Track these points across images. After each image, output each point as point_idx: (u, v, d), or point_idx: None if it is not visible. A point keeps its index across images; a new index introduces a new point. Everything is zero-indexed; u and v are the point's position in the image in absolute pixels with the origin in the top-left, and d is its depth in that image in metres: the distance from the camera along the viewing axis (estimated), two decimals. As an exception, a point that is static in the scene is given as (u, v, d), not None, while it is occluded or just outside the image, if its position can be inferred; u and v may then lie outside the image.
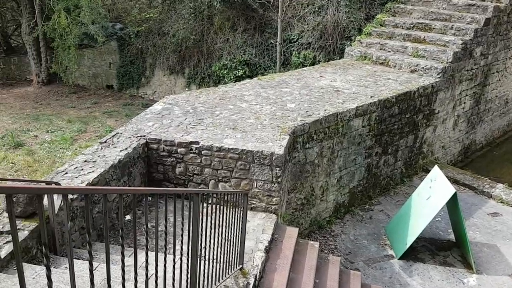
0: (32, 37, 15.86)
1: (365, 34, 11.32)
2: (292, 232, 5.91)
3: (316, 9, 12.68)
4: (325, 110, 7.25)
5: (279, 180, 5.84)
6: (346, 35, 12.38)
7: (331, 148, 7.36)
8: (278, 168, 5.77)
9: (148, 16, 14.19)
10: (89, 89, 17.91)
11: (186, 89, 14.39)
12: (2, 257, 3.78)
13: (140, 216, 5.84)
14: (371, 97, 8.03)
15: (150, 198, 5.93)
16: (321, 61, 12.00)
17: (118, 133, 6.28)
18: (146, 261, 2.34)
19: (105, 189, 2.01)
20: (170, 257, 2.84)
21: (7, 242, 3.98)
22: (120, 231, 2.14)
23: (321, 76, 9.46)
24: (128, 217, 5.87)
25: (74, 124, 14.01)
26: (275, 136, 6.19)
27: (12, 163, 10.84)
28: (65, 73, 16.30)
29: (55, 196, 4.29)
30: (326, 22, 12.25)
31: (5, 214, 4.41)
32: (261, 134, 6.22)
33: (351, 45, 11.53)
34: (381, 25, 11.38)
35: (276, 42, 12.51)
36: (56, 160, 11.28)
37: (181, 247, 3.05)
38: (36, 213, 4.36)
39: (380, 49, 10.75)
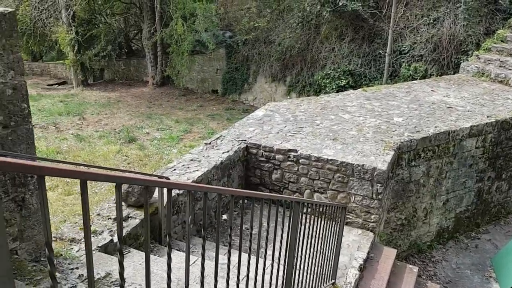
0: (151, 42, 17.34)
1: (484, 50, 10.43)
2: (389, 253, 5.60)
3: (431, 21, 11.99)
4: (435, 127, 6.76)
5: (379, 197, 5.58)
6: (462, 50, 11.51)
7: (439, 168, 6.84)
8: (379, 185, 5.51)
9: (257, 25, 14.65)
10: (196, 93, 19.02)
11: (288, 97, 14.54)
12: (115, 241, 4.14)
13: (235, 217, 5.99)
14: (487, 116, 7.32)
15: (246, 201, 6.07)
16: (433, 75, 11.29)
17: (221, 136, 6.53)
18: (239, 261, 2.36)
19: (206, 187, 2.06)
20: (261, 261, 2.85)
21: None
22: (216, 229, 2.19)
23: (432, 90, 8.87)
24: (224, 216, 6.06)
25: (181, 124, 14.94)
26: (379, 150, 5.92)
27: (125, 156, 11.88)
28: (177, 77, 17.52)
29: (164, 190, 4.60)
30: (442, 34, 11.51)
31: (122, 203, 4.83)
32: (363, 147, 6.00)
33: (467, 60, 10.69)
34: (502, 41, 10.40)
35: (385, 52, 12.06)
36: (164, 156, 12.13)
37: (273, 253, 3.05)
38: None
39: (500, 66, 9.80)
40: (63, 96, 18.01)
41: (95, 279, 3.43)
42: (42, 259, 3.53)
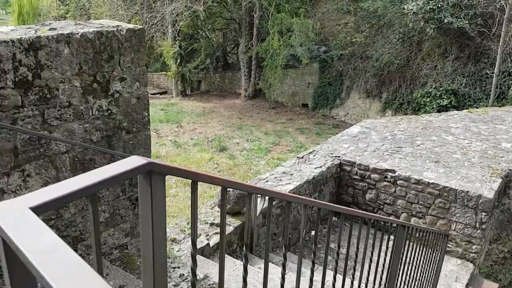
0: (247, 56, 17.97)
1: None
2: (489, 287, 5.14)
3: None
4: (553, 155, 6.09)
5: (483, 226, 5.15)
6: None
7: (556, 201, 6.12)
8: (484, 213, 5.09)
9: (354, 40, 14.48)
10: (286, 106, 19.24)
11: (383, 114, 14.08)
12: (211, 245, 4.33)
13: (325, 234, 5.92)
14: None
15: (335, 218, 5.98)
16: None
17: (314, 150, 6.53)
18: (323, 278, 2.33)
19: (308, 200, 2.08)
20: (348, 280, 2.78)
21: (216, 233, 4.56)
22: (313, 247, 2.19)
23: (550, 114, 8.01)
24: (313, 233, 6.02)
25: (270, 136, 15.20)
26: (485, 177, 5.48)
27: (216, 163, 12.39)
28: (268, 90, 17.90)
29: (258, 199, 4.72)
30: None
31: (217, 209, 5.06)
32: (467, 172, 5.60)
33: None
34: None
35: (493, 73, 11.17)
36: (252, 167, 12.44)
37: (361, 273, 2.96)
38: (240, 212, 4.87)
39: None
40: (164, 105, 19.35)
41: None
42: (147, 255, 3.81)
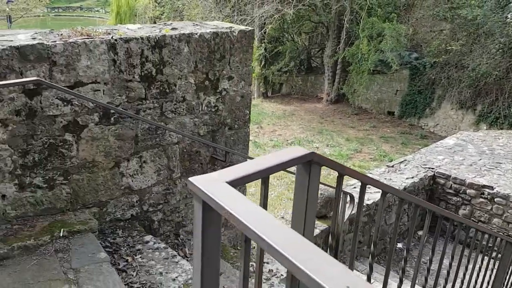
0: (333, 60, 17.78)
1: None
2: None
3: None
4: None
5: None
6: None
7: None
8: None
9: (449, 48, 13.71)
10: (370, 113, 18.70)
11: (480, 127, 13.15)
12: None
13: (411, 248, 5.69)
14: None
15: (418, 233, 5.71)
16: None
17: (405, 160, 6.30)
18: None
19: (421, 200, 2.03)
20: None
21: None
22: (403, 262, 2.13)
23: None
24: (399, 245, 5.81)
25: (352, 143, 14.89)
26: None
27: (296, 166, 12.39)
28: (352, 95, 17.54)
29: (346, 205, 4.67)
30: None
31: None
32: None
33: None
34: None
35: None
36: (331, 172, 12.29)
37: None
38: (326, 216, 4.86)
39: None
40: (246, 105, 19.76)
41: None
42: (238, 247, 3.95)
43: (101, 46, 2.73)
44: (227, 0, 19.58)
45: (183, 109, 3.25)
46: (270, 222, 0.70)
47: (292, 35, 20.90)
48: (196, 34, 3.14)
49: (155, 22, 27.44)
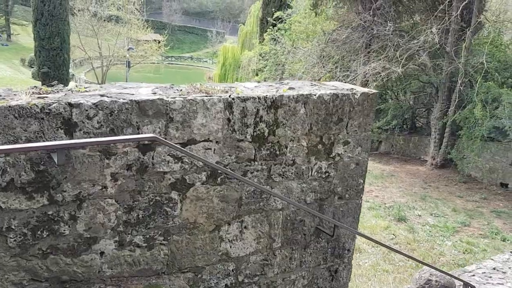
0: (441, 122, 16.63)
1: None
2: None
3: None
4: None
5: None
6: None
7: None
8: None
9: None
10: (480, 182, 16.91)
11: None
12: None
13: None
14: None
15: None
16: None
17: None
18: None
19: None
20: None
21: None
22: None
23: None
24: None
25: (459, 214, 13.42)
26: None
27: (393, 234, 11.38)
28: (461, 162, 16.08)
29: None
30: None
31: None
32: None
33: None
34: None
35: None
36: (435, 246, 11.03)
37: None
38: (441, 309, 4.13)
39: None
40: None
41: None
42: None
43: (218, 104, 2.61)
44: (330, 56, 19.70)
45: (291, 173, 2.99)
46: None
47: (396, 93, 20.17)
48: (315, 95, 2.91)
49: (257, 74, 28.65)
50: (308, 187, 3.09)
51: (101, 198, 2.41)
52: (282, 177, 2.96)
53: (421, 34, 14.97)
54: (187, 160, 2.62)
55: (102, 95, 2.37)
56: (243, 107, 2.70)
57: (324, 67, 18.24)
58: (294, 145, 2.94)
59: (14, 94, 2.25)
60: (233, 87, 2.92)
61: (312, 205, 3.14)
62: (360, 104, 3.07)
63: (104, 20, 32.73)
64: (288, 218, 3.07)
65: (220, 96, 2.63)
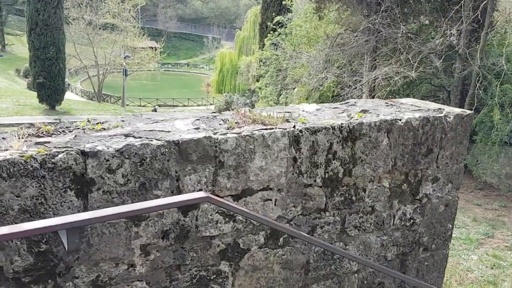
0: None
1: None
2: None
3: None
4: None
5: None
6: None
7: None
8: None
9: None
10: (497, 189, 16.24)
11: None
12: None
13: None
14: None
15: None
16: None
17: None
18: None
19: None
20: None
21: None
22: None
23: None
24: None
25: (480, 224, 12.72)
26: None
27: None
28: (476, 168, 15.43)
29: None
30: None
31: None
32: None
33: None
34: None
35: None
36: (461, 261, 10.33)
37: None
38: None
39: None
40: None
41: None
42: None
43: (282, 139, 1.90)
44: (335, 61, 19.06)
45: (370, 224, 2.28)
46: None
47: (402, 97, 19.53)
48: (400, 120, 2.20)
49: (258, 80, 27.98)
50: (389, 239, 2.37)
51: (128, 282, 1.69)
52: (359, 230, 2.25)
53: (432, 36, 14.35)
54: (240, 218, 1.90)
55: (127, 135, 1.66)
56: (312, 141, 1.99)
57: (329, 72, 17.55)
58: (374, 186, 2.23)
59: (2, 139, 1.53)
60: (289, 112, 2.21)
61: (393, 262, 2.43)
62: (453, 129, 2.37)
63: (100, 28, 31.91)
64: (365, 282, 2.35)
65: (284, 129, 1.92)
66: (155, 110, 27.14)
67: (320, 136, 2.00)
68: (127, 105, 31.04)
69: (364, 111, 2.30)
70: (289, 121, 2.04)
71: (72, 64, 33.91)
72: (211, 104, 35.95)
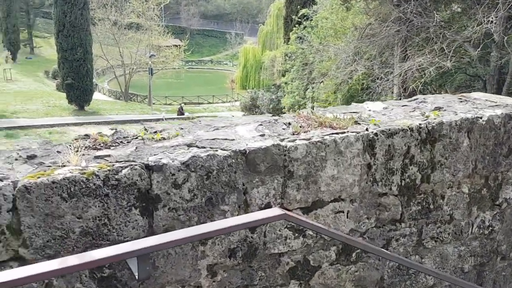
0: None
1: None
2: None
3: None
4: None
5: None
6: None
7: None
8: None
9: None
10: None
11: None
12: None
13: None
14: None
15: None
16: None
17: None
18: None
19: None
20: None
21: None
22: None
23: None
24: None
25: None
26: None
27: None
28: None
29: None
30: None
31: None
32: None
33: None
34: None
35: None
36: None
37: None
38: None
39: None
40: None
41: None
42: None
43: (356, 144, 1.71)
44: (365, 52, 18.58)
45: (448, 234, 2.06)
46: None
47: (434, 88, 18.89)
48: (481, 118, 1.97)
49: (283, 75, 27.69)
50: (467, 249, 2.15)
51: (195, 306, 1.54)
52: (436, 241, 2.03)
53: (465, 24, 13.74)
54: (310, 233, 1.72)
55: (189, 145, 1.50)
56: (388, 145, 1.79)
57: (359, 64, 17.10)
58: (453, 193, 2.01)
59: (57, 152, 1.39)
60: (355, 112, 2.01)
61: (470, 274, 2.20)
62: (536, 126, 2.11)
63: (125, 28, 32.23)
64: (440, 296, 2.14)
65: (357, 132, 1.73)
66: (181, 108, 27.20)
67: (397, 139, 1.79)
68: (153, 103, 31.30)
69: (438, 109, 2.07)
70: (359, 123, 1.84)
71: (99, 64, 34.41)
72: (236, 101, 35.84)
